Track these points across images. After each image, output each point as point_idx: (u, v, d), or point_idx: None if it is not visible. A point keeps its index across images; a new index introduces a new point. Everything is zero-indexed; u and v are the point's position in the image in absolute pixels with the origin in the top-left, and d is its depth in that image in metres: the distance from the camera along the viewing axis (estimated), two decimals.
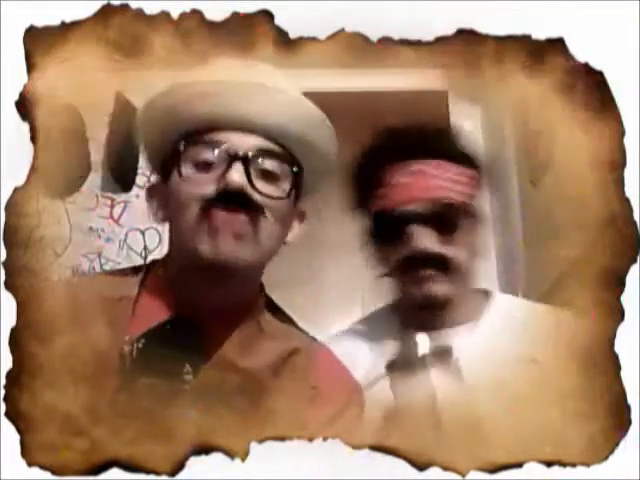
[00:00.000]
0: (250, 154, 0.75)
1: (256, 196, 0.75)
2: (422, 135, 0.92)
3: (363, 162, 0.95)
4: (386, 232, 0.91)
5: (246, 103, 0.75)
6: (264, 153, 0.77)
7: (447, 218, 0.88)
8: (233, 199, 0.74)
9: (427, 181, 0.88)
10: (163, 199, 0.81)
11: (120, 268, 0.95)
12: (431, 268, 0.88)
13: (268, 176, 0.77)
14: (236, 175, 0.74)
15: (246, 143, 0.76)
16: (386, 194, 0.90)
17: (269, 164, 0.77)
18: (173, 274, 0.81)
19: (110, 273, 0.96)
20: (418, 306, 0.91)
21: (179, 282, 0.80)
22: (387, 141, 0.94)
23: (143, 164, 1.66)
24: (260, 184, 0.76)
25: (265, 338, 0.81)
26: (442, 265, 0.88)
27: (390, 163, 0.90)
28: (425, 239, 0.87)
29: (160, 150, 0.81)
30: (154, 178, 0.87)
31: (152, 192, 0.84)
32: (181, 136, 0.78)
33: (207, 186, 0.75)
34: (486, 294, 0.97)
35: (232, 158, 0.75)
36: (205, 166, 0.76)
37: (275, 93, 0.77)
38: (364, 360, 0.92)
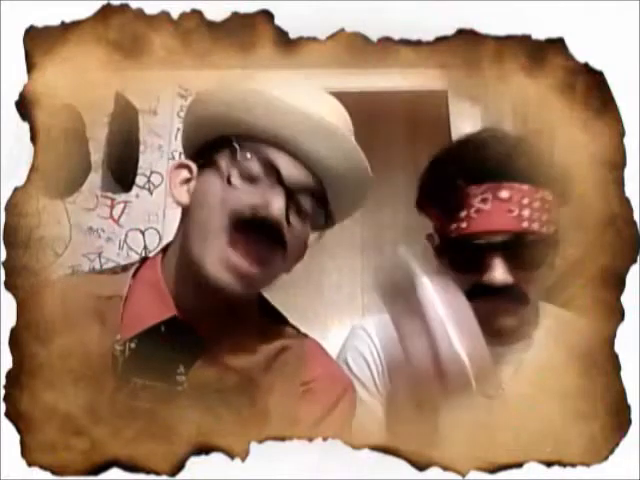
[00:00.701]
0: (296, 189, 0.74)
1: (286, 232, 0.74)
2: (503, 152, 0.86)
3: (439, 172, 0.90)
4: (463, 258, 0.86)
5: (305, 136, 0.74)
6: (307, 191, 0.76)
7: (529, 251, 0.84)
8: (265, 227, 0.73)
9: (514, 211, 0.83)
10: (191, 185, 0.79)
11: (110, 267, 0.95)
12: (505, 302, 0.84)
13: (301, 214, 0.77)
14: (278, 207, 0.72)
15: (294, 175, 0.75)
16: (468, 219, 0.84)
17: (307, 204, 0.77)
18: (170, 272, 0.80)
19: (100, 272, 0.95)
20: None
21: (175, 282, 0.79)
22: (467, 155, 0.88)
23: (143, 164, 1.67)
24: (294, 221, 0.75)
25: (257, 337, 0.81)
26: (517, 299, 0.84)
27: (472, 182, 0.84)
28: (504, 272, 0.83)
29: (204, 140, 0.79)
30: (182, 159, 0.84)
31: (181, 168, 0.81)
32: (230, 134, 0.76)
33: (244, 202, 0.73)
34: (536, 307, 0.93)
35: (277, 184, 0.73)
36: (248, 178, 0.74)
37: (337, 137, 0.75)
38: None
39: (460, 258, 0.86)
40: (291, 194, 0.74)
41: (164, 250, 0.84)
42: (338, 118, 0.78)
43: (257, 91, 0.75)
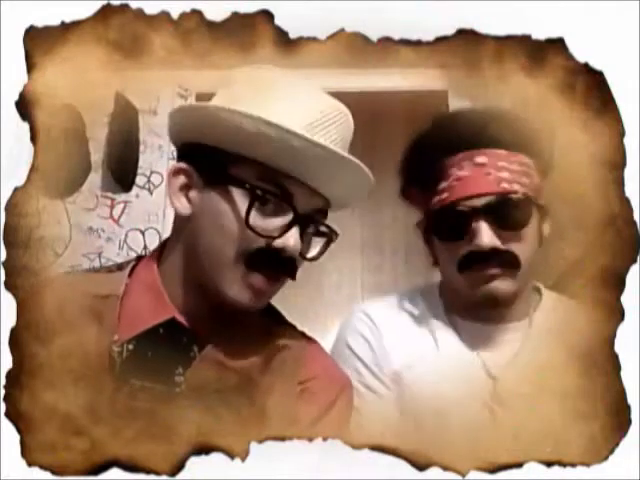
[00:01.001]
0: (308, 216, 0.75)
1: (298, 260, 0.76)
2: (477, 123, 0.87)
3: (417, 152, 0.91)
4: (449, 227, 0.87)
5: (319, 168, 0.73)
6: (320, 214, 0.77)
7: (513, 213, 0.84)
8: (279, 260, 0.74)
9: (492, 174, 0.84)
10: (193, 195, 0.77)
11: (105, 265, 0.94)
12: (496, 266, 0.84)
13: (309, 236, 0.77)
14: (292, 240, 0.73)
15: (307, 203, 0.75)
16: (449, 188, 0.86)
17: (317, 223, 0.78)
18: (169, 273, 0.79)
19: (96, 271, 0.95)
20: (476, 302, 0.88)
21: (174, 283, 0.78)
22: (441, 130, 0.90)
23: (143, 164, 1.67)
24: (305, 248, 0.76)
25: (257, 337, 0.81)
26: (508, 262, 0.85)
27: (448, 153, 0.86)
28: (491, 235, 0.83)
29: (215, 154, 0.75)
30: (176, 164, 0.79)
31: (178, 174, 0.77)
32: (245, 156, 0.74)
33: (260, 240, 0.73)
34: (538, 290, 0.95)
35: (292, 217, 0.73)
36: (262, 201, 0.73)
37: (345, 163, 0.74)
38: (410, 337, 0.92)
39: (446, 228, 0.88)
40: (305, 223, 0.75)
41: (160, 248, 0.83)
42: (341, 123, 0.77)
43: (269, 122, 0.70)
